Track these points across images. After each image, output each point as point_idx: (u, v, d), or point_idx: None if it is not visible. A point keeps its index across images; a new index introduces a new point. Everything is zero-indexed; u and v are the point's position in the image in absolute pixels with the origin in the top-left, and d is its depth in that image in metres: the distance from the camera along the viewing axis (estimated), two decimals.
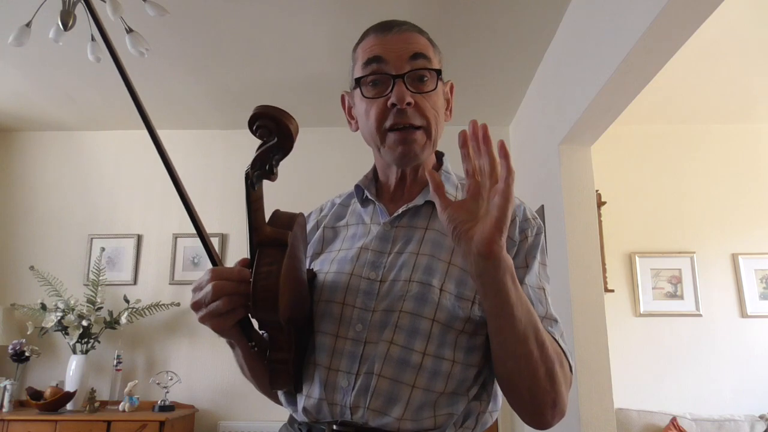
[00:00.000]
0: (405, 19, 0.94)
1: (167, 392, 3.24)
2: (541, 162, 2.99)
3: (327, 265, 0.89)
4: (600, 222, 3.39)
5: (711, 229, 3.58)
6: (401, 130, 0.86)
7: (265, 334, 0.80)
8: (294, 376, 0.81)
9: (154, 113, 3.50)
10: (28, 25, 2.13)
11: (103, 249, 3.59)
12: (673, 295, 3.53)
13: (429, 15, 2.57)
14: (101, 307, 3.36)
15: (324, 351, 0.82)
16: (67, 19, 1.99)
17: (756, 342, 3.44)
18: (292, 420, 0.89)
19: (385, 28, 0.89)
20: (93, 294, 3.37)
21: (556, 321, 0.85)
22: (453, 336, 0.81)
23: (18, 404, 3.26)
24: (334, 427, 0.79)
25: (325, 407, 0.80)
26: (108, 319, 3.35)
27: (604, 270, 3.33)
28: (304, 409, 0.82)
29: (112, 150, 3.85)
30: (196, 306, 0.73)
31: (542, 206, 2.94)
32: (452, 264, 0.84)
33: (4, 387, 3.19)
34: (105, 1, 1.99)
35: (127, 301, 3.42)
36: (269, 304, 0.69)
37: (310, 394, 0.82)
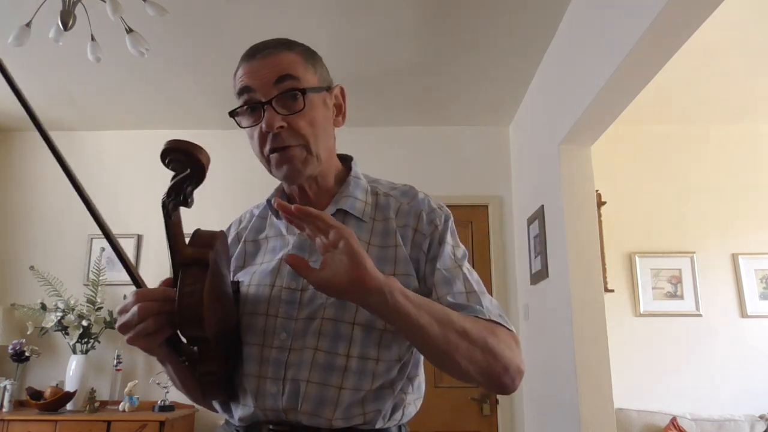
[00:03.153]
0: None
1: (167, 392, 3.24)
2: (541, 162, 2.99)
3: (249, 278, 0.91)
4: (600, 222, 3.38)
5: (711, 229, 3.58)
6: (279, 152, 0.87)
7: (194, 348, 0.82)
8: (226, 386, 0.85)
9: (154, 113, 3.52)
10: (28, 25, 2.12)
11: (103, 249, 3.59)
12: (673, 295, 3.53)
13: (429, 15, 2.57)
14: (101, 307, 3.35)
15: (251, 361, 0.85)
16: (67, 19, 1.99)
17: (756, 342, 3.44)
18: (228, 422, 0.92)
19: (251, 55, 0.90)
20: (93, 294, 3.37)
21: (482, 293, 0.88)
22: (377, 335, 0.85)
23: (18, 404, 3.26)
24: (270, 427, 0.83)
25: (259, 414, 0.84)
26: (108, 319, 3.35)
27: (604, 270, 3.33)
28: (240, 419, 0.86)
29: (112, 150, 3.84)
30: (123, 328, 0.75)
31: (542, 206, 2.94)
32: None
33: (4, 387, 3.19)
34: (105, 1, 1.99)
35: None
36: (195, 323, 0.71)
37: (244, 403, 0.86)
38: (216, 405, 0.93)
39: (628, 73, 2.01)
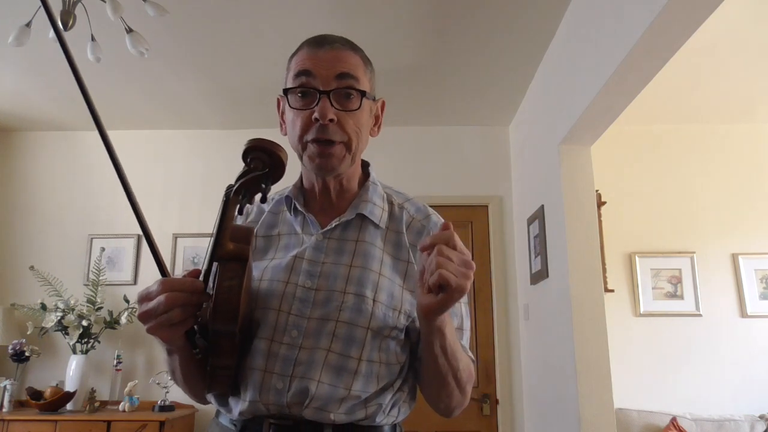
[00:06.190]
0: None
1: (167, 392, 3.24)
2: (541, 162, 2.99)
3: (260, 273, 0.92)
4: (600, 222, 3.39)
5: (711, 229, 3.58)
6: (321, 143, 0.89)
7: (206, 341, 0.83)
8: (234, 379, 0.85)
9: (154, 113, 3.52)
10: (28, 25, 2.13)
11: (103, 249, 3.59)
12: (673, 295, 3.53)
13: (429, 15, 2.57)
14: (101, 307, 3.36)
15: (258, 354, 0.86)
16: (67, 19, 1.99)
17: (756, 342, 3.44)
18: (219, 413, 0.93)
19: (318, 43, 0.92)
20: (93, 294, 3.37)
21: (466, 330, 0.97)
22: (379, 340, 0.88)
23: (18, 404, 3.26)
24: (272, 421, 0.84)
25: (261, 408, 0.84)
26: (108, 319, 3.35)
27: (604, 270, 3.33)
28: (240, 413, 0.86)
29: None
30: (145, 316, 0.73)
31: (542, 206, 2.94)
32: (382, 275, 0.90)
33: (4, 387, 3.19)
34: (105, 1, 1.99)
35: (127, 301, 3.42)
36: (230, 317, 0.73)
37: (245, 398, 0.85)
38: (212, 399, 0.93)
39: (628, 73, 2.01)
